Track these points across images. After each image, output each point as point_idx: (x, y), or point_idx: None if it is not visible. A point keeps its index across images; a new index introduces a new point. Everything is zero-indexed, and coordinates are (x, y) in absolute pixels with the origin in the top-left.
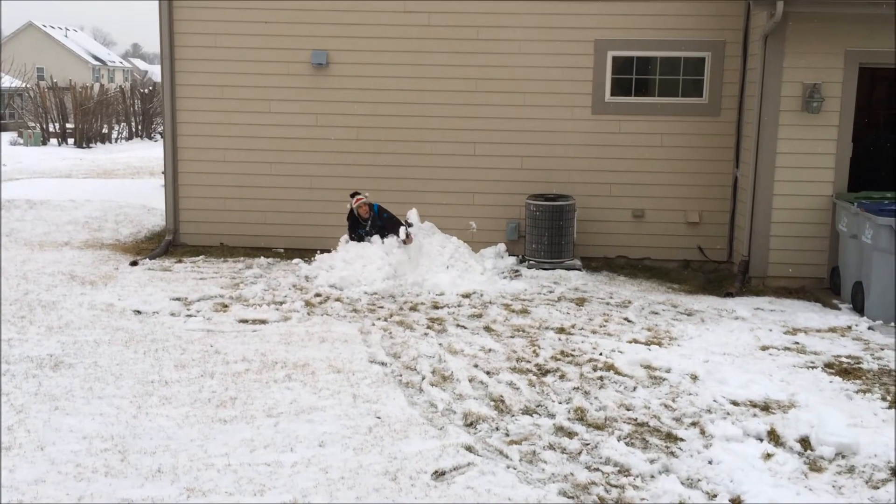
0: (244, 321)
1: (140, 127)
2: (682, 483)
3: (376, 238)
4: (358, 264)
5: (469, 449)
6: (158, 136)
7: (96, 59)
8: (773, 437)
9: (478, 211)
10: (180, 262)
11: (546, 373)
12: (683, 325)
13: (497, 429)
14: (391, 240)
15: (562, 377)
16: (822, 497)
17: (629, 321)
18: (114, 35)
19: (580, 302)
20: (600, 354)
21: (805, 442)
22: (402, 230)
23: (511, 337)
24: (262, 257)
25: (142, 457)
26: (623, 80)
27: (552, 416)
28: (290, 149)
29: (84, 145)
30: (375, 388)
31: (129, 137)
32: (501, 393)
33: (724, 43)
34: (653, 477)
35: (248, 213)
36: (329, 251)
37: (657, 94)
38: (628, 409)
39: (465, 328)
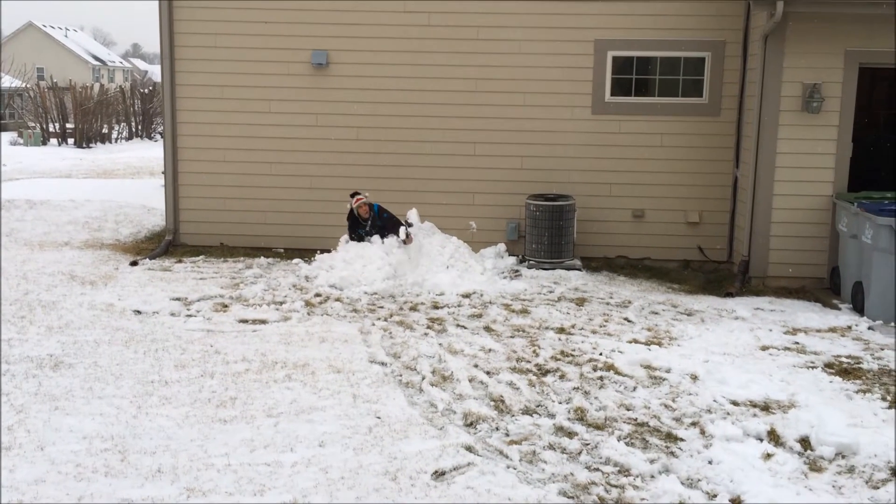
0: (244, 321)
1: (140, 127)
2: (682, 483)
3: (376, 238)
4: (358, 264)
5: (469, 449)
6: (158, 136)
7: (96, 59)
8: (773, 437)
9: (478, 211)
10: (180, 262)
11: (546, 373)
12: (683, 325)
13: (497, 429)
14: (391, 240)
15: (562, 377)
16: (822, 497)
17: (629, 321)
18: (114, 35)
19: (580, 302)
20: (600, 354)
21: (805, 442)
22: (401, 230)
23: (511, 337)
24: (262, 257)
25: (142, 457)
26: (623, 80)
27: (552, 416)
28: (290, 149)
29: (84, 145)
30: (375, 388)
31: (129, 137)
32: (501, 393)
33: (724, 43)
34: (653, 477)
35: (248, 213)
36: (329, 251)
37: (657, 94)
38: (628, 409)
39: (465, 328)
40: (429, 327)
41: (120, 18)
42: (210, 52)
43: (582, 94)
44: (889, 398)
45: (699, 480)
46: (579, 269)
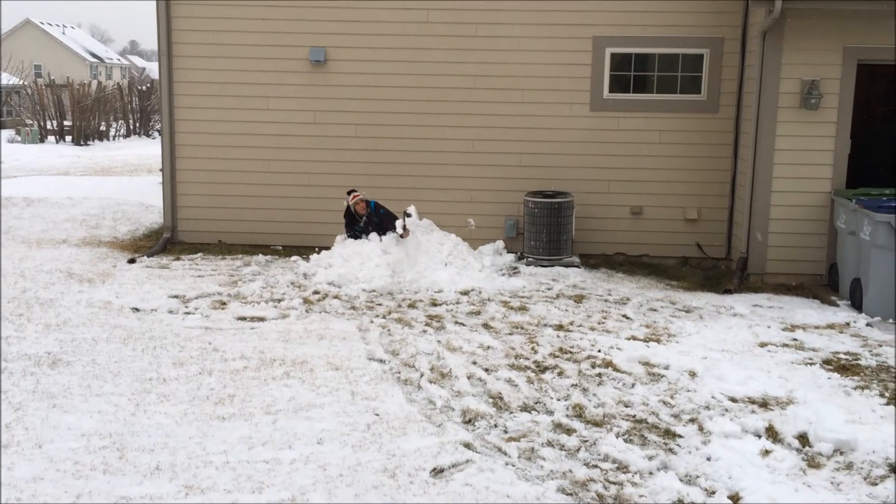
0: (242, 318)
1: (138, 124)
2: (681, 480)
3: (374, 235)
4: (356, 261)
5: (467, 446)
6: (156, 134)
7: (94, 56)
8: (772, 433)
9: (476, 208)
10: (178, 259)
11: (544, 370)
12: (682, 321)
13: (495, 426)
14: (389, 237)
15: (560, 374)
16: (820, 493)
17: (628, 318)
18: (111, 32)
19: (578, 299)
20: (599, 351)
21: (803, 438)
22: (398, 223)
23: (509, 334)
24: (260, 255)
25: (140, 454)
26: (621, 77)
27: (551, 412)
28: (288, 146)
29: (82, 143)
30: (374, 385)
31: (127, 135)
32: (500, 390)
33: (723, 39)
34: (651, 474)
35: (247, 211)
36: (327, 248)
37: (655, 90)
38: (627, 406)
39: (464, 325)
40: (427, 324)
41: (118, 16)
42: (208, 50)
43: (580, 91)
44: (887, 394)
45: (697, 477)
46: (578, 266)
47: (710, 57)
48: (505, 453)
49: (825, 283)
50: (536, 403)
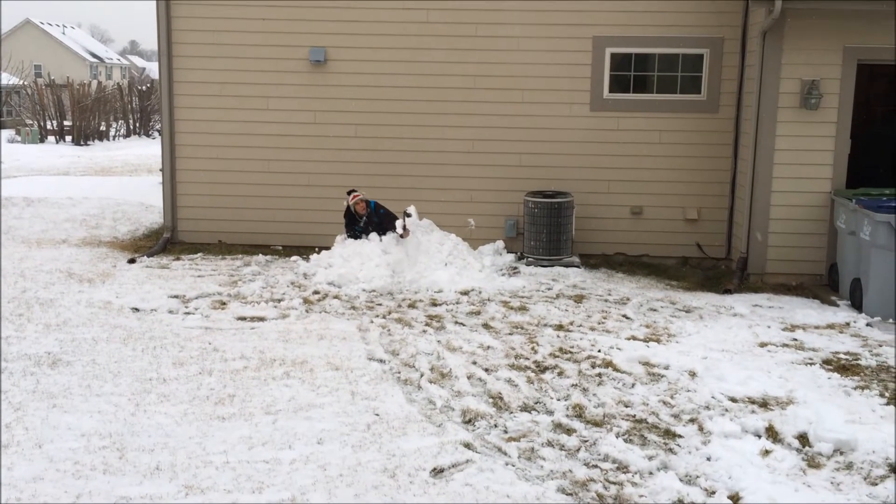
0: (242, 318)
1: (138, 124)
2: (681, 480)
3: (374, 235)
4: (356, 261)
5: (467, 446)
6: (156, 134)
7: (94, 56)
8: (772, 433)
9: (476, 208)
10: (178, 259)
11: (544, 370)
12: (682, 321)
13: (495, 426)
14: (389, 237)
15: (560, 374)
16: (820, 493)
17: (628, 318)
18: (111, 32)
19: (578, 299)
20: (599, 351)
21: (803, 438)
22: (398, 223)
23: (509, 334)
24: (260, 255)
25: (140, 454)
26: (621, 77)
27: (551, 412)
28: (288, 146)
29: (82, 143)
30: (374, 385)
31: (127, 135)
32: (500, 390)
33: (723, 40)
34: (651, 474)
35: (247, 211)
36: (327, 248)
37: (655, 90)
38: (627, 406)
39: (464, 325)
40: (427, 324)
41: (118, 16)
42: (208, 50)
43: (580, 91)
44: (887, 394)
45: (697, 477)
46: (578, 266)
47: (710, 57)
48: (505, 453)
49: (825, 283)
50: (536, 403)
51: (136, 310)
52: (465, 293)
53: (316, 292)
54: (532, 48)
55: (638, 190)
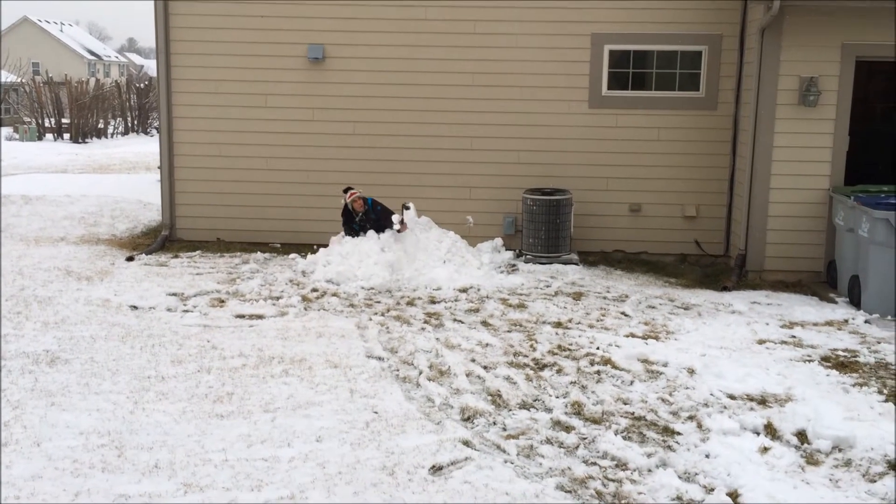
0: (241, 316)
1: (136, 122)
2: (680, 477)
3: (372, 233)
4: (354, 259)
5: (466, 443)
6: (154, 131)
7: (92, 53)
8: (770, 430)
9: (474, 205)
10: (177, 257)
11: (543, 367)
12: (680, 319)
13: (494, 423)
14: (387, 234)
15: (559, 371)
16: (818, 490)
17: (626, 315)
18: (109, 30)
19: (577, 296)
20: (597, 349)
21: (802, 435)
22: (395, 217)
23: (508, 331)
24: (258, 252)
25: (139, 452)
26: (620, 74)
27: (549, 410)
28: (286, 143)
29: (80, 140)
30: (372, 382)
31: (125, 132)
32: (499, 387)
33: (721, 37)
34: (650, 471)
35: (245, 209)
36: (326, 246)
37: (654, 87)
38: (625, 404)
39: (462, 323)
40: (426, 322)
41: (115, 13)
42: (206, 47)
43: (579, 88)
44: (885, 391)
45: (696, 474)
46: (576, 264)
47: (708, 54)
48: (504, 451)
49: (823, 280)
50: (535, 401)
51: (135, 308)
52: (464, 290)
53: (314, 290)
54: (530, 45)
55: (636, 187)
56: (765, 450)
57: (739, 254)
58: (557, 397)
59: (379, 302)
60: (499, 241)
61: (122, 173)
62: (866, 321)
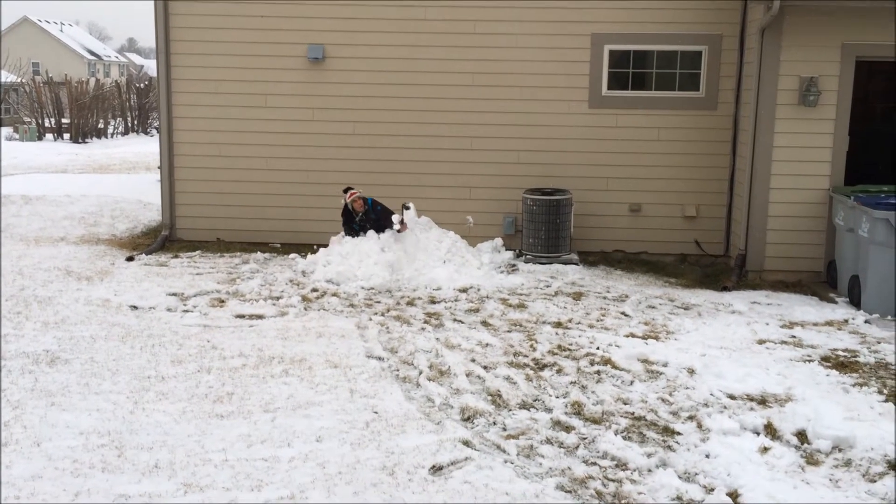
0: (241, 316)
1: (136, 122)
2: (680, 477)
3: (372, 233)
4: (354, 259)
5: (466, 443)
6: (154, 131)
7: (92, 53)
8: (770, 430)
9: (474, 205)
10: (177, 257)
11: (543, 367)
12: (680, 319)
13: (494, 423)
14: (387, 234)
15: (559, 371)
16: (818, 490)
17: (626, 315)
18: (109, 30)
19: (577, 296)
20: (597, 349)
21: (802, 435)
22: (395, 217)
23: (508, 331)
24: (258, 252)
25: (139, 452)
26: (620, 74)
27: (549, 410)
28: (286, 143)
29: (80, 140)
30: (372, 382)
31: (125, 132)
32: (499, 387)
33: (721, 37)
34: (650, 471)
35: (245, 209)
36: (326, 246)
37: (654, 87)
38: (625, 404)
39: (462, 323)
40: (426, 322)
41: (116, 13)
42: (206, 47)
43: (579, 88)
44: (886, 391)
45: (696, 474)
46: (576, 264)
47: (708, 54)
48: (504, 451)
49: (823, 280)
50: (535, 401)
51: (135, 308)
52: (464, 290)
53: (314, 290)
54: (530, 45)
55: (636, 187)
56: (765, 450)
57: (739, 254)
58: (557, 397)
59: (379, 302)
60: (499, 241)
61: (122, 173)
62: (866, 321)
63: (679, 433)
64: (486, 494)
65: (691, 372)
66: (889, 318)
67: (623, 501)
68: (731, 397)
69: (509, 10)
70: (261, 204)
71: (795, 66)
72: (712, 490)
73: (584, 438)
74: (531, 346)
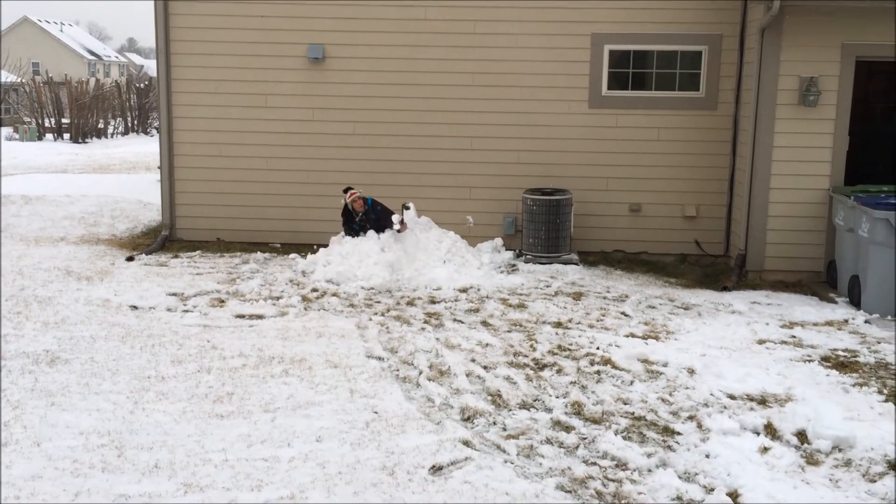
0: (241, 316)
1: (136, 122)
2: (680, 477)
3: (372, 233)
4: (354, 259)
5: (466, 443)
6: (154, 131)
7: (92, 53)
8: (770, 430)
9: (474, 205)
10: (177, 257)
11: (543, 367)
12: (680, 319)
13: (494, 423)
14: (387, 234)
15: (559, 371)
16: (818, 490)
17: (626, 315)
18: (109, 30)
19: (577, 296)
20: (597, 349)
21: (802, 435)
22: (395, 217)
23: (508, 331)
24: (258, 252)
25: (139, 452)
26: (620, 74)
27: (549, 410)
28: (286, 143)
29: (80, 140)
30: (372, 382)
31: (125, 132)
32: (499, 387)
33: (721, 37)
34: (650, 471)
35: (245, 208)
36: (326, 246)
37: (654, 87)
38: (625, 404)
39: (462, 323)
40: (426, 322)
41: (116, 13)
42: (206, 47)
43: (579, 88)
44: (886, 391)
45: (696, 474)
46: (576, 264)
47: (708, 54)
48: (504, 451)
49: (823, 280)
50: (535, 401)
51: (135, 308)
52: (464, 290)
53: (314, 290)
54: (530, 45)
55: (636, 187)
56: (765, 450)
57: (739, 254)
58: (557, 397)
59: (379, 302)
60: (499, 241)
61: (122, 173)
62: (866, 321)
63: (679, 433)
64: (486, 494)
65: (691, 372)
66: (889, 318)
67: (623, 501)
68: (731, 397)
69: (509, 10)
70: (261, 204)
71: (795, 66)
72: (712, 490)
73: (584, 438)
74: (531, 346)
